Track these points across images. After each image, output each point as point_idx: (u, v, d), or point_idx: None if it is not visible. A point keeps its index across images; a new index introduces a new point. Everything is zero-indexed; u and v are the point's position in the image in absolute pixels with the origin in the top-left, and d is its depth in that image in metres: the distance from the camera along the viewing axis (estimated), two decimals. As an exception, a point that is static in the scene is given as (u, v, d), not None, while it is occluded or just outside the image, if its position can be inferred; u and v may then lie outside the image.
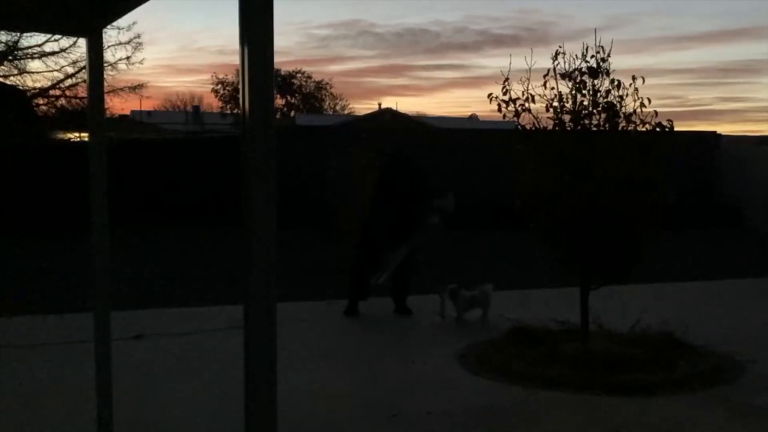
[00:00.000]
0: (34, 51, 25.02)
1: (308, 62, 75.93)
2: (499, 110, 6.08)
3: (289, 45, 76.19)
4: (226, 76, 44.87)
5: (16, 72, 25.52)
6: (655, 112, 5.77)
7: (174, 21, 79.52)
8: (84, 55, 2.93)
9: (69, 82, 25.97)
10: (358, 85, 76.02)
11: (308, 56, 72.94)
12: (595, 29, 6.55)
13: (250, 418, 1.53)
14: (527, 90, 5.95)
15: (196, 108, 48.66)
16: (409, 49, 74.34)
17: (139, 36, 26.48)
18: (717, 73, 74.03)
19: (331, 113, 46.28)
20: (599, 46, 5.85)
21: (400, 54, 75.16)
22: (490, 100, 6.08)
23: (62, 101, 26.65)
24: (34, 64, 27.98)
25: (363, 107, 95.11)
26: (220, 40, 72.16)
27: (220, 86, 45.11)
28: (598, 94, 5.84)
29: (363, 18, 79.95)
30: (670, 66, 77.59)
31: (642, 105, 5.76)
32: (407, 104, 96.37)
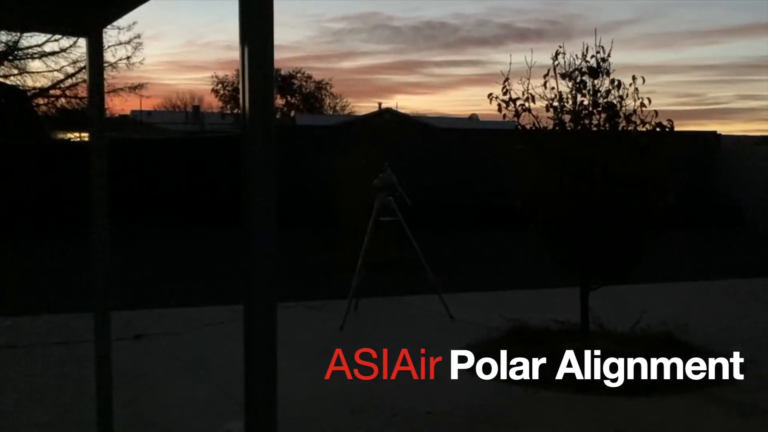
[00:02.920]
0: (35, 51, 25.06)
1: (319, 58, 73.30)
2: (499, 110, 6.08)
3: (299, 39, 73.66)
4: (226, 76, 44.97)
5: (16, 72, 25.55)
6: (656, 112, 5.78)
7: (181, 14, 77.62)
8: (84, 54, 2.93)
9: (69, 81, 26.01)
10: (368, 83, 73.92)
11: (320, 51, 70.52)
12: (596, 29, 6.55)
13: (250, 417, 1.53)
14: (527, 90, 5.96)
15: (196, 108, 48.70)
16: (425, 43, 71.97)
17: (139, 36, 26.53)
18: (741, 69, 72.18)
19: (331, 113, 46.31)
20: (599, 45, 5.86)
21: (416, 49, 72.57)
22: (491, 100, 6.09)
23: (62, 101, 26.68)
24: (35, 64, 28.00)
25: (370, 105, 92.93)
26: (229, 34, 70.37)
27: (220, 86, 45.21)
28: (598, 94, 5.84)
29: (380, 10, 77.52)
30: (694, 62, 75.78)
31: (642, 105, 5.77)
32: (417, 102, 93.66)
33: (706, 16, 74.15)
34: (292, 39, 72.39)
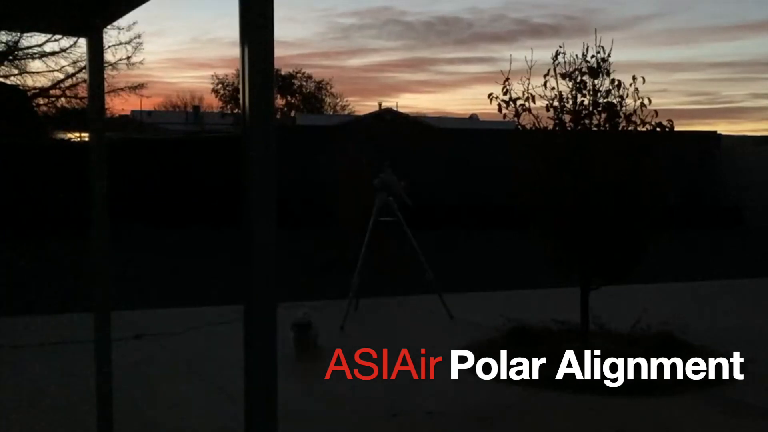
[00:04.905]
0: (35, 51, 25.05)
1: (326, 55, 70.81)
2: (500, 110, 6.08)
3: (307, 36, 70.99)
4: (226, 76, 45.01)
5: (16, 72, 25.54)
6: (656, 112, 5.77)
7: (186, 10, 75.62)
8: (84, 54, 2.93)
9: (69, 82, 26.00)
10: (375, 81, 71.27)
11: (327, 48, 67.96)
12: (595, 30, 6.54)
13: (250, 417, 1.53)
14: (527, 90, 5.96)
15: (196, 108, 48.71)
16: (436, 40, 69.28)
17: (139, 36, 26.52)
18: (757, 67, 70.43)
19: (331, 113, 46.31)
20: (599, 45, 5.86)
21: (426, 46, 70.50)
22: (491, 100, 6.08)
23: (62, 101, 26.66)
24: (35, 64, 27.99)
25: (375, 105, 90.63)
26: (234, 30, 68.81)
27: (220, 86, 45.26)
28: (599, 94, 5.84)
29: (393, 5, 73.43)
30: (712, 59, 73.61)
31: (642, 105, 5.76)
32: (424, 102, 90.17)
33: (730, 11, 72.30)
34: (300, 35, 70.38)
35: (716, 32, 69.36)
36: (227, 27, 67.15)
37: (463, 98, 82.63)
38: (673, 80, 61.36)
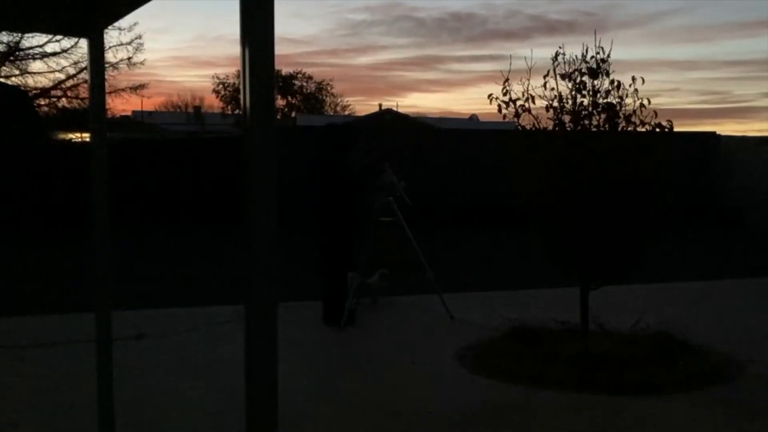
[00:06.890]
0: (36, 51, 25.09)
1: (334, 53, 69.44)
2: (499, 111, 6.09)
3: (315, 33, 68.55)
4: (227, 77, 45.12)
5: (17, 72, 25.58)
6: (655, 112, 5.78)
7: (192, 6, 74.62)
8: (85, 55, 2.93)
9: (70, 82, 26.05)
10: (383, 80, 69.80)
11: (335, 45, 66.52)
12: (595, 30, 6.55)
13: (250, 417, 1.53)
14: (527, 90, 5.96)
15: (198, 108, 48.79)
16: (447, 37, 67.67)
17: (140, 36, 26.59)
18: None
19: (332, 113, 46.37)
20: (599, 46, 5.87)
21: (437, 43, 68.81)
22: (491, 100, 6.09)
23: (64, 101, 26.71)
24: (36, 65, 28.06)
25: (380, 104, 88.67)
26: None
27: (221, 87, 45.39)
28: (598, 95, 5.85)
29: (404, 1, 71.01)
30: (727, 57, 72.19)
31: (642, 105, 5.77)
32: (431, 101, 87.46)
33: (754, 6, 70.77)
34: (308, 32, 68.56)
35: (735, 29, 67.66)
36: (233, 24, 66.02)
37: (471, 98, 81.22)
38: (687, 79, 60.41)
